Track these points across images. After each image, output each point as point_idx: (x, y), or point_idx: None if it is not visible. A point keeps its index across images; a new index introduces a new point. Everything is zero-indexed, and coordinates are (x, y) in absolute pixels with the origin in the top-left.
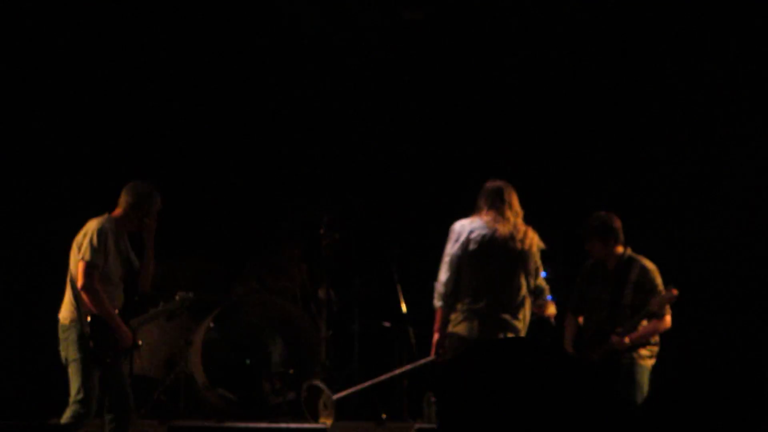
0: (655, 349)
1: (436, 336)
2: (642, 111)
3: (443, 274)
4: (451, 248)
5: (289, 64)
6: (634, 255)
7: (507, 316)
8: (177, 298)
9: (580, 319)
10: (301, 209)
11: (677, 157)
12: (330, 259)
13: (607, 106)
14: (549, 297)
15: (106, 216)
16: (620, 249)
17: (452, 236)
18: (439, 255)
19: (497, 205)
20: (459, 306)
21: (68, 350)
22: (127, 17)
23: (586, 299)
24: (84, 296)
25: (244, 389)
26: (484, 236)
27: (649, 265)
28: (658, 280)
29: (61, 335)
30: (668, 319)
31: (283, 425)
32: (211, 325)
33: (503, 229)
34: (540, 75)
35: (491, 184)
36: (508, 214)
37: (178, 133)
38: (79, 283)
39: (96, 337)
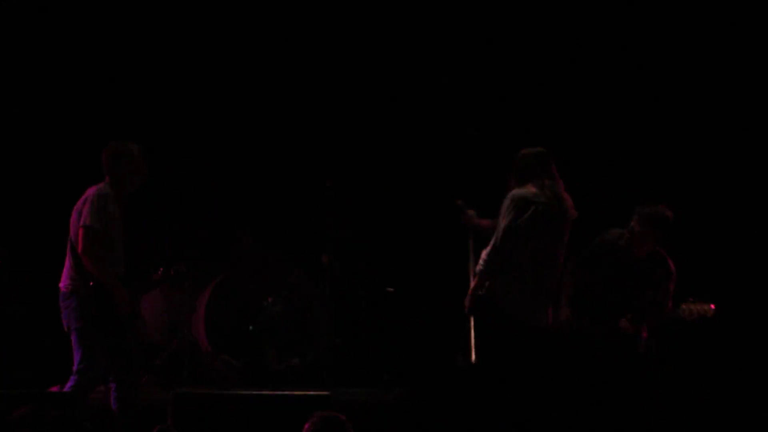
0: None
1: (469, 297)
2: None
3: (499, 243)
4: (510, 219)
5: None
6: (663, 252)
7: (548, 294)
8: (171, 272)
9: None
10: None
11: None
12: (333, 225)
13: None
14: None
15: (105, 182)
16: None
17: (511, 206)
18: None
19: (546, 173)
20: (504, 277)
21: (70, 318)
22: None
23: (598, 277)
24: (85, 262)
25: (247, 356)
26: (541, 207)
27: (673, 267)
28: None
29: (63, 303)
30: None
31: (287, 392)
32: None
33: (556, 200)
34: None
35: (533, 150)
36: (558, 182)
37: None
38: (80, 248)
39: (97, 304)
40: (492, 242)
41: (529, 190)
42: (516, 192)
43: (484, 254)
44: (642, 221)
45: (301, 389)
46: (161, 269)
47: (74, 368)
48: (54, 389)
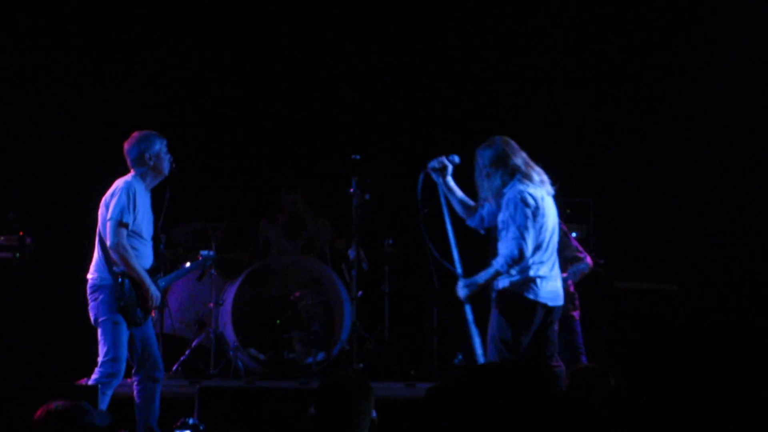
0: None
1: (470, 289)
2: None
3: (520, 241)
4: (524, 217)
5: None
6: None
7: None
8: (200, 257)
9: None
10: (330, 170)
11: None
12: (360, 219)
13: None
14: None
15: (131, 174)
16: None
17: (520, 203)
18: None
19: (529, 161)
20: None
21: (98, 310)
22: None
23: None
24: (113, 255)
25: (274, 350)
26: (545, 194)
27: None
28: (563, 227)
29: (90, 296)
30: None
31: (314, 386)
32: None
33: (547, 180)
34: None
35: (500, 140)
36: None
37: (208, 96)
38: (108, 242)
39: (126, 296)
40: (509, 241)
41: (527, 179)
42: (519, 188)
43: (500, 253)
44: None
45: None
46: (187, 262)
47: (100, 359)
48: (83, 381)
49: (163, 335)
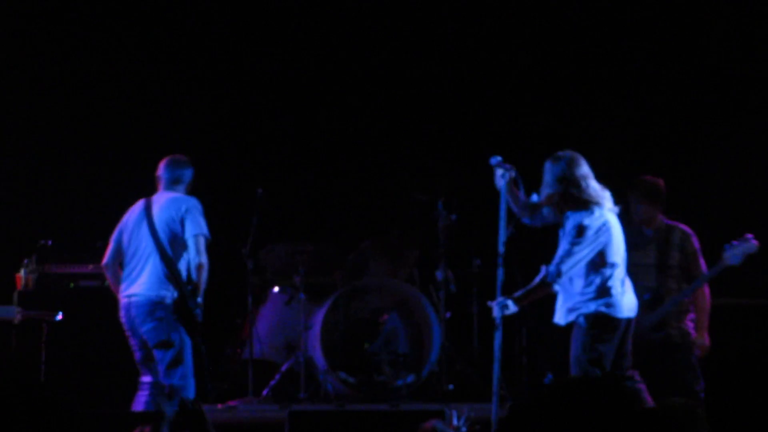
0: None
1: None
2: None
3: (565, 267)
4: (593, 246)
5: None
6: (672, 221)
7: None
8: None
9: None
10: (417, 191)
11: None
12: (447, 240)
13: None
14: None
15: (169, 190)
16: (662, 215)
17: (590, 233)
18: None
19: (591, 181)
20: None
21: (167, 329)
22: None
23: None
24: (198, 272)
25: (364, 373)
26: (614, 219)
27: (688, 229)
28: (698, 244)
29: (150, 313)
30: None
31: (404, 408)
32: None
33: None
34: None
35: (572, 156)
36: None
37: (291, 118)
38: (200, 258)
39: (197, 313)
40: (556, 259)
41: (589, 200)
42: (580, 213)
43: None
44: (631, 200)
45: (416, 405)
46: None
47: (173, 381)
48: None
49: (253, 360)
